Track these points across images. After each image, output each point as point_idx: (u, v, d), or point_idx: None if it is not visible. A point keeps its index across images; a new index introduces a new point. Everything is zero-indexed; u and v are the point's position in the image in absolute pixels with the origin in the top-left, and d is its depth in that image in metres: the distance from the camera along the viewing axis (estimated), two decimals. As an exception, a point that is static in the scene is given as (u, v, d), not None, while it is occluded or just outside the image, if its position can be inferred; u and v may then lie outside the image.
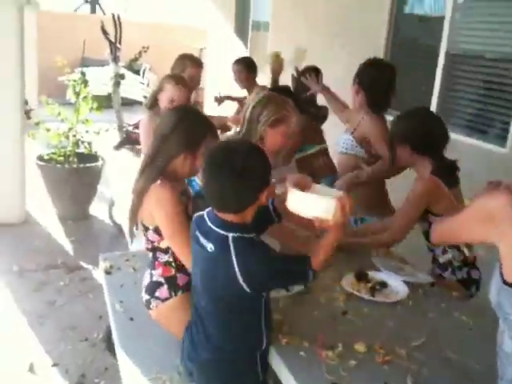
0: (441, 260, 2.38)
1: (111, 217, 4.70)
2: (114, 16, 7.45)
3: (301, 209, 1.62)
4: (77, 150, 4.89)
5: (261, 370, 1.74)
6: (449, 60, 4.26)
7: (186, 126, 1.98)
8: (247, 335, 1.72)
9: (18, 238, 4.44)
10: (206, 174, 1.60)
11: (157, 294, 2.04)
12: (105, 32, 7.15)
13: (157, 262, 2.06)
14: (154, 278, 2.05)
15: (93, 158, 4.96)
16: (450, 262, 2.35)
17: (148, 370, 2.09)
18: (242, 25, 8.56)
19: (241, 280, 1.55)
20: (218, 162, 1.58)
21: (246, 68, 4.44)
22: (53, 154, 4.85)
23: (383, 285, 2.13)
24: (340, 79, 3.70)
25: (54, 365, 2.88)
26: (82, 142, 4.89)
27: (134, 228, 2.07)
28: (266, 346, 1.73)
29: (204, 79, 9.96)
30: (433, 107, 4.34)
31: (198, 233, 1.70)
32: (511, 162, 3.59)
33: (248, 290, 1.57)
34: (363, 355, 1.71)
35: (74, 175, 4.79)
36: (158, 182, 1.94)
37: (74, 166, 4.79)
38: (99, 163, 4.92)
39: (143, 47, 5.53)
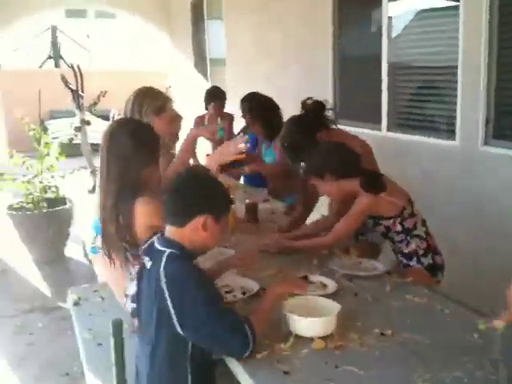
0: (405, 250, 2.46)
1: (86, 255, 4.75)
2: (73, 66, 7.66)
3: (302, 331, 1.77)
4: (45, 196, 4.96)
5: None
6: (391, 64, 4.46)
7: (144, 140, 2.10)
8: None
9: (-5, 287, 4.47)
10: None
11: None
12: (66, 82, 7.32)
13: None
14: None
15: (61, 201, 5.04)
16: (414, 251, 2.44)
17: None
18: (201, 62, 8.79)
19: (169, 301, 1.60)
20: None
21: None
22: (22, 202, 4.92)
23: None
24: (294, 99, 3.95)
25: (34, 403, 2.90)
26: (50, 188, 4.96)
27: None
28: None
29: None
30: (384, 113, 4.52)
31: (143, 257, 1.78)
32: (462, 152, 3.74)
33: (175, 317, 1.60)
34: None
35: (45, 220, 4.86)
36: (143, 194, 2.03)
37: (44, 211, 4.86)
38: (68, 206, 4.99)
39: (101, 92, 5.69)
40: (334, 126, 2.88)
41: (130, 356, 1.89)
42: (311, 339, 1.76)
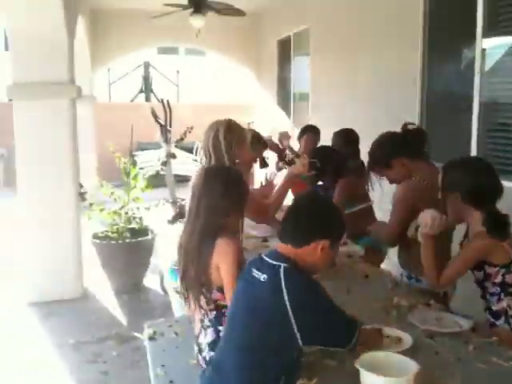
0: (494, 308, 2.29)
1: (163, 287, 4.85)
2: (163, 101, 8.02)
3: None
4: (129, 226, 5.15)
5: None
6: (483, 105, 4.27)
7: (236, 189, 2.20)
8: None
9: (75, 312, 4.66)
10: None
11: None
12: (155, 116, 7.67)
13: (223, 318, 2.10)
14: (222, 333, 2.08)
15: (144, 232, 5.20)
16: (504, 310, 2.26)
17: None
18: (285, 97, 8.92)
19: (290, 311, 1.64)
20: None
21: None
22: (106, 231, 5.13)
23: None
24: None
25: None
26: (134, 218, 5.15)
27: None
28: None
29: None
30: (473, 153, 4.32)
31: (252, 268, 1.81)
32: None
33: (295, 323, 1.64)
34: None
35: (127, 250, 5.02)
36: (222, 236, 2.08)
37: (127, 241, 5.03)
38: (150, 237, 5.14)
39: (187, 127, 5.89)
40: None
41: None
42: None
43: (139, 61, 14.44)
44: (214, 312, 2.17)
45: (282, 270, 1.71)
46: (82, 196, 4.97)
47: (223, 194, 2.14)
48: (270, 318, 1.70)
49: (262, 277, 1.75)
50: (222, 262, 2.06)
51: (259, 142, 4.01)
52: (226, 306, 2.10)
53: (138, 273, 5.19)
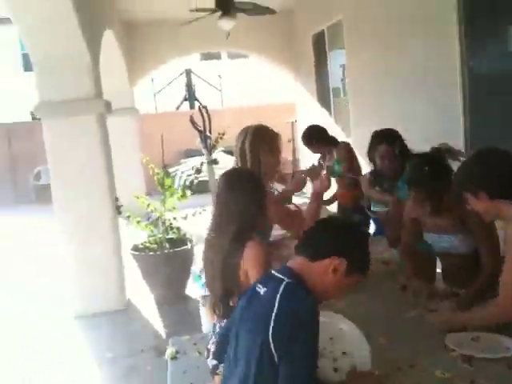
0: None
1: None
2: (200, 108, 8.02)
3: None
4: (167, 236, 5.13)
5: None
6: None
7: (259, 191, 2.19)
8: None
9: (116, 324, 4.69)
10: None
11: None
12: (193, 123, 7.66)
13: None
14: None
15: (183, 241, 5.16)
16: None
17: None
18: (324, 93, 8.72)
19: (271, 325, 1.50)
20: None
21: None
22: (145, 242, 5.13)
23: None
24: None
25: None
26: (172, 228, 5.12)
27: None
28: None
29: (299, 150, 10.23)
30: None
31: (257, 284, 1.70)
32: None
33: (272, 343, 1.49)
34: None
35: (166, 260, 5.00)
36: (251, 241, 2.07)
37: (166, 251, 5.01)
38: (189, 246, 5.10)
39: (219, 134, 5.83)
40: None
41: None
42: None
43: (183, 69, 14.59)
44: (225, 321, 2.08)
45: (283, 283, 1.59)
46: (118, 209, 4.99)
47: (248, 197, 2.12)
48: (260, 338, 1.54)
49: (263, 290, 1.64)
50: (250, 267, 2.03)
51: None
52: None
53: (179, 283, 5.15)
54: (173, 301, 5.03)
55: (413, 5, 5.36)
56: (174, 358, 2.69)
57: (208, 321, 2.80)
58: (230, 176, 2.28)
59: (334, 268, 1.63)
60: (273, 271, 1.71)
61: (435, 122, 5.10)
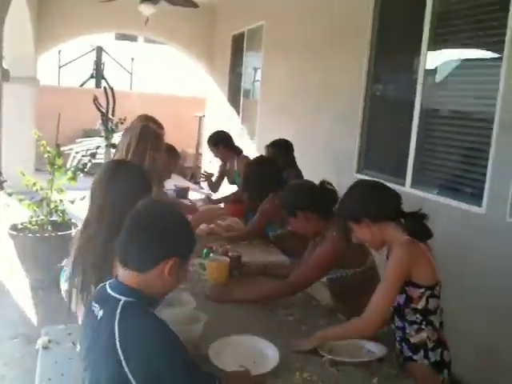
0: (412, 340, 2.04)
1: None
2: (105, 89, 7.69)
3: None
4: (51, 219, 4.83)
5: None
6: (423, 116, 4.18)
7: (142, 185, 2.08)
8: None
9: (-17, 307, 4.33)
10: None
11: None
12: (97, 103, 7.35)
13: None
14: None
15: (67, 226, 4.90)
16: (424, 343, 2.01)
17: None
18: (235, 92, 8.74)
19: (120, 354, 1.37)
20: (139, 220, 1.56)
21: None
22: (26, 223, 4.80)
23: None
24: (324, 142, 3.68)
25: None
26: (56, 211, 4.84)
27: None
28: None
29: (203, 145, 10.14)
30: (409, 167, 4.23)
31: (93, 302, 1.55)
32: (487, 221, 3.41)
33: (133, 379, 1.37)
34: None
35: (47, 244, 4.71)
36: None
37: (47, 234, 4.72)
38: (73, 231, 4.84)
39: (120, 119, 5.65)
40: None
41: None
42: None
43: (94, 45, 13.95)
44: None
45: (119, 306, 1.44)
46: (0, 184, 4.62)
47: (129, 188, 2.02)
48: (106, 375, 1.41)
49: (100, 313, 1.48)
50: None
51: (174, 153, 3.92)
52: None
53: (59, 268, 4.86)
54: (49, 287, 4.73)
55: (332, 21, 5.51)
56: (46, 347, 2.54)
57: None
58: (112, 165, 2.21)
59: (169, 269, 1.49)
60: (107, 287, 1.54)
61: (336, 136, 5.29)
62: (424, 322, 2.02)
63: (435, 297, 2.01)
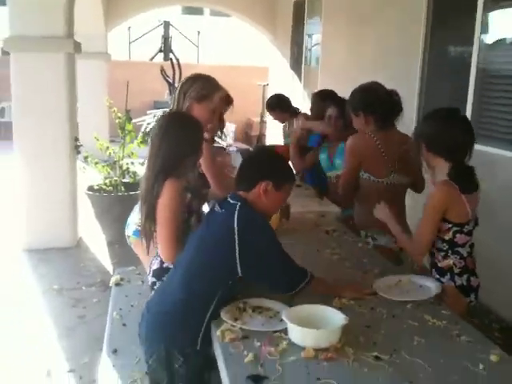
0: (440, 264, 2.26)
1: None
2: (172, 60, 8.00)
3: (294, 340, 1.71)
4: (123, 180, 5.23)
5: (202, 337, 1.89)
6: (479, 76, 4.15)
7: (193, 134, 2.26)
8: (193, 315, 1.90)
9: (65, 260, 4.82)
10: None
11: (164, 278, 2.18)
12: (164, 74, 7.67)
13: None
14: (165, 265, 2.22)
15: (137, 186, 5.26)
16: (450, 268, 2.23)
17: (127, 368, 2.23)
18: (297, 60, 8.81)
19: (236, 244, 1.82)
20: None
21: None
22: (101, 184, 5.23)
23: None
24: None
25: (70, 371, 3.09)
26: (128, 172, 5.22)
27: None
28: (207, 323, 1.88)
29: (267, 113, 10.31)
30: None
31: (215, 204, 2.00)
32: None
33: (238, 253, 1.82)
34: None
35: (120, 202, 5.11)
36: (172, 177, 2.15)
37: (120, 194, 5.12)
38: (143, 191, 5.22)
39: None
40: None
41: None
42: (304, 348, 1.68)
43: (161, 20, 14.29)
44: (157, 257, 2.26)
45: (237, 206, 1.90)
46: (76, 149, 5.04)
47: (182, 138, 2.20)
48: (217, 246, 1.88)
49: (221, 210, 1.95)
50: (163, 200, 2.12)
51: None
52: None
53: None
54: (124, 242, 5.15)
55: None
56: (118, 284, 2.90)
57: (141, 255, 2.95)
58: (167, 116, 2.38)
59: (264, 190, 1.93)
60: (228, 198, 1.97)
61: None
62: (450, 251, 2.22)
63: (463, 233, 2.20)
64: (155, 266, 2.29)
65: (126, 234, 2.96)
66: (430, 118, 2.36)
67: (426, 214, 2.21)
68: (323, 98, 3.96)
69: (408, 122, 4.83)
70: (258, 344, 1.70)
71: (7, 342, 3.45)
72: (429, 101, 4.89)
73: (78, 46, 5.00)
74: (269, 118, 10.06)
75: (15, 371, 3.12)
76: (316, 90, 4.52)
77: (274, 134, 6.88)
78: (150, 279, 2.30)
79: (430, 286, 2.18)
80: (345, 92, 4.00)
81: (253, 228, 1.88)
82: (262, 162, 2.05)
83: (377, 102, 2.81)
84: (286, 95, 4.91)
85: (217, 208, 1.98)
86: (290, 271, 1.95)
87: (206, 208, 2.53)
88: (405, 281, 2.23)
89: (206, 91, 2.68)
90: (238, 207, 1.89)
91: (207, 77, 2.81)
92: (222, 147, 4.01)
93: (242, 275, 1.87)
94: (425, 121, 2.40)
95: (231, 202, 1.94)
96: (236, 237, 1.83)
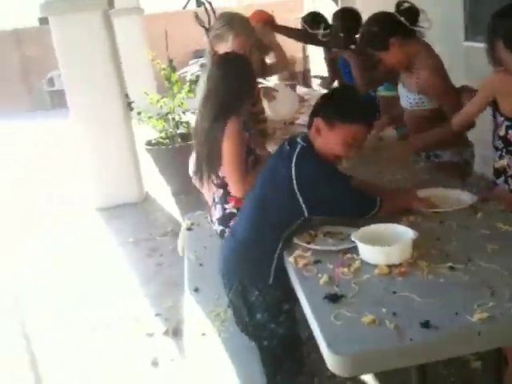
0: (496, 165, 2.23)
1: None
2: (205, 5, 7.83)
3: (366, 259, 1.76)
4: (178, 131, 5.33)
5: (274, 270, 1.97)
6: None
7: (246, 75, 2.31)
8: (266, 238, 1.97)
9: (136, 214, 5.06)
10: None
11: (231, 223, 2.27)
12: (199, 21, 7.54)
13: (229, 197, 2.31)
14: (228, 211, 2.31)
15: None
16: (504, 169, 2.18)
17: (207, 305, 2.37)
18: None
19: (295, 183, 1.85)
20: None
21: None
22: (158, 138, 5.36)
23: None
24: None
25: (157, 315, 3.31)
26: (181, 123, 5.31)
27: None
28: (279, 254, 1.95)
29: (309, 47, 10.03)
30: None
31: (286, 142, 2.01)
32: None
33: (299, 195, 1.84)
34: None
35: (179, 153, 5.21)
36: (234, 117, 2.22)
37: (177, 145, 5.24)
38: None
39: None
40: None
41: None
42: (377, 266, 1.72)
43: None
44: (221, 190, 2.32)
45: (299, 146, 1.91)
46: (129, 105, 5.15)
47: (237, 77, 2.25)
48: (281, 185, 1.90)
49: (287, 148, 1.96)
50: (226, 138, 2.19)
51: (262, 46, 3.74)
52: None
53: (192, 174, 5.42)
54: (189, 191, 5.31)
55: None
56: (189, 228, 3.04)
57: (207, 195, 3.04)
58: (224, 56, 2.42)
59: (316, 128, 1.91)
60: (298, 137, 1.98)
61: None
62: (505, 150, 2.17)
63: None
64: (217, 215, 2.36)
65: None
66: (506, 14, 2.14)
67: (477, 94, 2.22)
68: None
69: (453, 35, 4.59)
70: (331, 266, 1.76)
71: (94, 289, 3.71)
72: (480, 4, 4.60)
73: (111, 2, 5.04)
74: (311, 51, 9.84)
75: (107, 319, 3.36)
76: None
77: (318, 69, 6.70)
78: (217, 228, 2.37)
79: (465, 197, 2.12)
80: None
81: (310, 170, 1.87)
82: (321, 99, 2.01)
83: None
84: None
85: (285, 144, 1.99)
86: (357, 201, 1.95)
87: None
88: (438, 194, 2.16)
89: (220, 31, 2.69)
90: (298, 148, 1.90)
91: (229, 15, 2.79)
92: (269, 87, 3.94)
93: (309, 215, 1.91)
94: (500, 17, 2.15)
95: (298, 141, 1.94)
96: (294, 181, 1.85)
